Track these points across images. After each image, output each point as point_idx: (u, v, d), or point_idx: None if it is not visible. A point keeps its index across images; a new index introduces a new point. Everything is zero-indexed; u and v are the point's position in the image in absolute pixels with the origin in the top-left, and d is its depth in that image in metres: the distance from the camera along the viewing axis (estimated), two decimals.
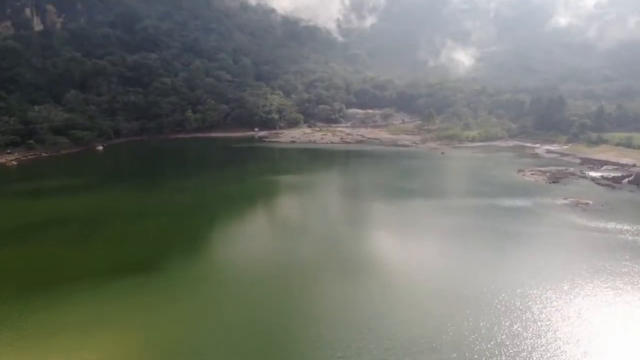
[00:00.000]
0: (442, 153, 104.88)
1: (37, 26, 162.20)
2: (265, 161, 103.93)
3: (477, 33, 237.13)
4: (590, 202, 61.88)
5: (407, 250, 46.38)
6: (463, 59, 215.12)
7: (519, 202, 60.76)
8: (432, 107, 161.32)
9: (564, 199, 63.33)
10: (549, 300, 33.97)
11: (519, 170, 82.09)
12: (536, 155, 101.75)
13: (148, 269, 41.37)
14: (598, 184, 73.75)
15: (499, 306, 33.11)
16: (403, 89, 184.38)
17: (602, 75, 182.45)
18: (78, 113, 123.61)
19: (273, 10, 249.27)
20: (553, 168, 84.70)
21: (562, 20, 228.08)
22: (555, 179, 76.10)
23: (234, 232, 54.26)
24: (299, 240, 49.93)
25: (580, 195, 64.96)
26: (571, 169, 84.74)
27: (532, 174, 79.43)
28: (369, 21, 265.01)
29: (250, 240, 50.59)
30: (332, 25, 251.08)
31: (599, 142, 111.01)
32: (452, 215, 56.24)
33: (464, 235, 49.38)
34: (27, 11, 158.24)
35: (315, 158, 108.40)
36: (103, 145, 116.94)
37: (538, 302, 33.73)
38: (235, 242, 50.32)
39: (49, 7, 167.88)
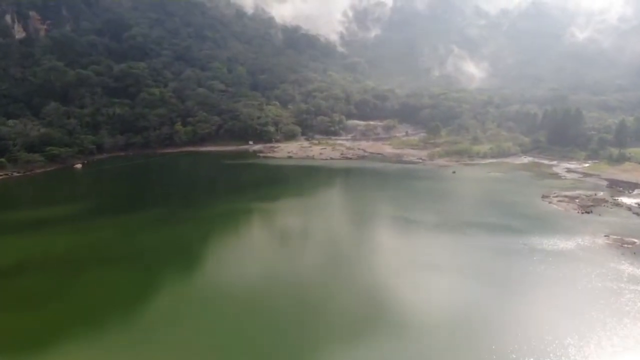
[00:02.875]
0: (454, 172, 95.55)
1: (19, 34, 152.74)
2: (259, 183, 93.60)
3: (482, 41, 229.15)
4: (636, 241, 52.68)
5: (438, 306, 37.34)
6: (469, 68, 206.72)
7: (557, 242, 51.29)
8: (437, 118, 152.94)
9: (605, 236, 54.05)
10: None
11: (544, 196, 72.80)
12: (556, 175, 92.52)
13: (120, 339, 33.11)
14: (636, 214, 64.53)
15: None
16: (405, 99, 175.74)
17: (615, 86, 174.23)
18: (56, 127, 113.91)
19: (271, 18, 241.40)
20: (581, 193, 75.45)
21: (579, 32, 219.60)
22: (586, 207, 66.80)
23: (222, 286, 44.24)
24: (301, 292, 40.93)
25: (622, 231, 55.76)
26: (601, 194, 75.52)
27: (559, 201, 70.16)
28: (373, 32, 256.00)
29: (245, 293, 40.93)
30: (334, 38, 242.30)
31: (621, 159, 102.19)
32: (483, 260, 47.05)
33: (504, 288, 40.44)
34: (8, 18, 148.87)
35: (314, 178, 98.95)
36: (82, 163, 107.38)
37: None
38: (225, 300, 40.59)
39: (32, 13, 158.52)
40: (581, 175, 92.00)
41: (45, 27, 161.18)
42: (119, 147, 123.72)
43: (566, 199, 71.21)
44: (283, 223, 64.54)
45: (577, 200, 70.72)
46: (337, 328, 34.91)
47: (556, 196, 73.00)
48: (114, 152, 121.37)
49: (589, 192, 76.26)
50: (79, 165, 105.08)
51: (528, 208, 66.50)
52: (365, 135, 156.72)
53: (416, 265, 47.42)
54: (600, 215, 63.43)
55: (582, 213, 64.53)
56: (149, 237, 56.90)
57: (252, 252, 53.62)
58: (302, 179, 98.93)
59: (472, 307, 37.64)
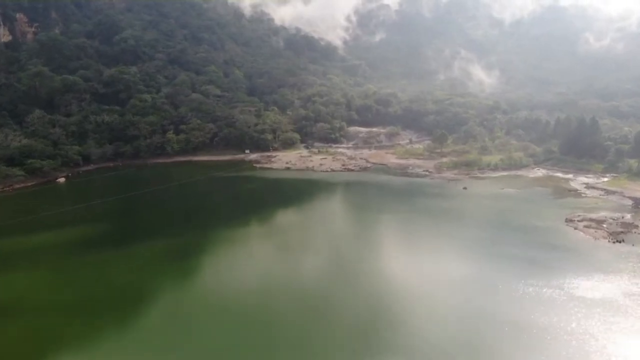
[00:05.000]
0: (465, 188, 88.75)
1: (5, 37, 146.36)
2: (255, 202, 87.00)
3: (490, 45, 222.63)
4: None
5: None
6: (477, 71, 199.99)
7: (597, 286, 44.58)
8: (442, 125, 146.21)
9: None
10: None
11: (568, 220, 66.08)
12: (576, 192, 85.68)
13: None
14: None
15: None
16: (408, 104, 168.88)
17: (625, 90, 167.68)
18: (40, 137, 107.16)
19: (270, 20, 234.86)
20: (607, 215, 68.71)
21: (594, 37, 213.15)
22: (617, 235, 60.18)
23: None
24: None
25: None
26: (628, 216, 68.85)
27: (585, 227, 63.43)
28: (378, 36, 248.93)
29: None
30: (337, 42, 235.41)
31: None
32: (509, 309, 40.44)
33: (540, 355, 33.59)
34: None
35: (314, 195, 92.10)
36: (66, 176, 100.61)
37: None
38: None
39: (19, 15, 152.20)
40: (602, 192, 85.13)
41: (32, 29, 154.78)
42: (107, 158, 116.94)
43: (593, 224, 64.56)
44: (283, 255, 57.65)
45: (604, 225, 64.14)
46: None
47: (581, 220, 66.28)
48: (101, 163, 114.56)
49: (615, 215, 69.56)
50: (62, 180, 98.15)
51: (553, 235, 59.79)
52: (367, 142, 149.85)
53: (431, 308, 40.86)
54: (633, 245, 56.77)
55: (614, 242, 57.92)
56: (135, 275, 50.42)
57: (248, 295, 46.88)
58: (301, 196, 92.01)
59: None
